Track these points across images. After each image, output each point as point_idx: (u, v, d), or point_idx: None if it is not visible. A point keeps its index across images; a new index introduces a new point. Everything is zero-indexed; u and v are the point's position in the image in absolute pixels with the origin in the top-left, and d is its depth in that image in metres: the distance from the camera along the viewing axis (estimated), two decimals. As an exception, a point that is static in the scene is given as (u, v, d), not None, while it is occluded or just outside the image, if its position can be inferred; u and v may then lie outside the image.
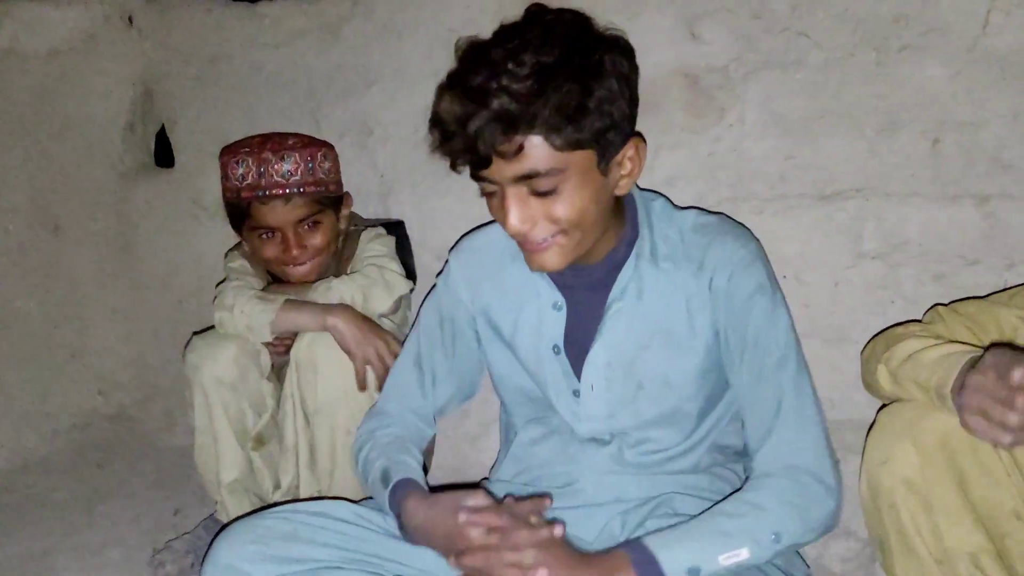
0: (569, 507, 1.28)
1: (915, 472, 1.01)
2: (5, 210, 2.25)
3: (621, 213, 1.24)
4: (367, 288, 1.61)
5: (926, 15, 1.39)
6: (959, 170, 1.36)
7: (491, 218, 1.18)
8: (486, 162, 1.07)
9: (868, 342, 1.28)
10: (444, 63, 1.72)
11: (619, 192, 1.17)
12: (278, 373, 1.68)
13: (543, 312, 1.28)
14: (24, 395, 2.29)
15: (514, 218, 1.10)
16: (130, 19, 2.20)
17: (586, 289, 1.26)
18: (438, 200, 1.91)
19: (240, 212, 1.63)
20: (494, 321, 1.34)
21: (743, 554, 1.09)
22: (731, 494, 1.18)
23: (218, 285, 1.71)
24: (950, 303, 1.25)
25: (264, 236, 1.63)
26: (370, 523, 1.29)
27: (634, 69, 1.13)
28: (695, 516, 1.17)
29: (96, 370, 2.39)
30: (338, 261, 1.72)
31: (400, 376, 1.43)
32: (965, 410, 0.96)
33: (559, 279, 1.27)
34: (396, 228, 1.84)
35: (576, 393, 1.26)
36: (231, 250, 1.81)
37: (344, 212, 1.73)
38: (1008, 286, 1.33)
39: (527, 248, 1.15)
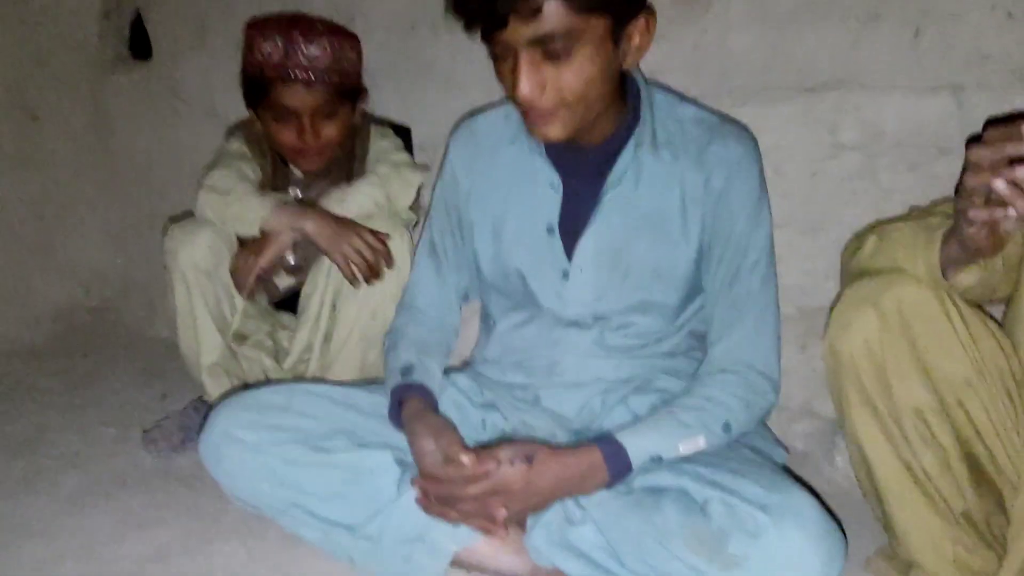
0: (552, 386, 1.34)
1: (873, 336, 1.07)
2: (-21, 98, 2.22)
3: (624, 97, 1.25)
4: (387, 187, 1.63)
5: (914, -96, 1.39)
6: (937, 61, 1.39)
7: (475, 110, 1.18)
8: (502, 22, 1.06)
9: (851, 240, 1.31)
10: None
11: (626, 65, 1.18)
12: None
13: (539, 192, 1.30)
14: (6, 284, 2.29)
15: (524, 83, 1.09)
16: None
17: (583, 172, 1.27)
18: (421, 94, 1.91)
19: (260, 89, 1.62)
20: (486, 201, 1.36)
21: (700, 442, 1.18)
22: (689, 386, 1.26)
23: (207, 168, 1.71)
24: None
25: (280, 118, 1.63)
26: (360, 402, 1.35)
27: None
28: (667, 402, 1.25)
29: (77, 260, 2.41)
30: (351, 159, 1.72)
31: (420, 268, 1.46)
32: (963, 198, 0.99)
33: (557, 160, 1.28)
34: (402, 135, 1.85)
35: (565, 275, 1.29)
36: (234, 130, 1.80)
37: (360, 107, 1.73)
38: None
39: (531, 117, 1.16)
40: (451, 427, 1.23)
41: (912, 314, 1.06)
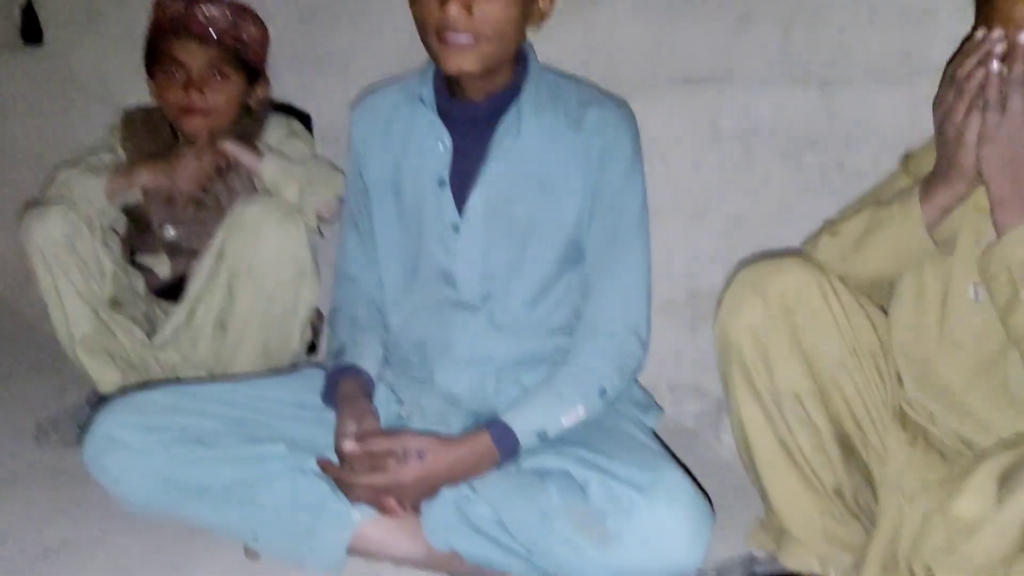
0: (446, 366, 1.39)
1: (759, 321, 1.13)
2: None
3: (514, 59, 1.31)
4: (314, 177, 1.64)
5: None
6: (806, 57, 1.46)
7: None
8: None
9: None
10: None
11: (531, 23, 1.27)
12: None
13: (430, 148, 1.35)
14: None
15: (454, 3, 1.16)
16: None
17: (472, 127, 1.33)
18: (321, 83, 1.92)
19: (155, 47, 1.66)
20: (383, 165, 1.40)
21: (580, 411, 1.25)
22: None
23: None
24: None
25: (170, 73, 1.65)
26: (251, 397, 1.36)
27: None
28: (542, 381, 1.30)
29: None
30: (247, 133, 1.72)
31: (346, 237, 1.49)
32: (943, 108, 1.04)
33: (447, 119, 1.33)
34: (304, 119, 1.86)
35: (455, 228, 1.34)
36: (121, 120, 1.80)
37: (259, 93, 1.76)
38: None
39: (450, 44, 1.21)
40: (374, 414, 1.28)
41: (794, 300, 1.12)
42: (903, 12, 1.36)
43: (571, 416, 1.24)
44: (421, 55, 1.29)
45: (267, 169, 1.64)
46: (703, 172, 1.61)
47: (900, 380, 1.20)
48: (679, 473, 1.17)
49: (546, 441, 1.23)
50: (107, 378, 1.70)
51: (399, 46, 1.78)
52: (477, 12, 1.18)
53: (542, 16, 1.29)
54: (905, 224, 1.10)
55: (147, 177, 1.65)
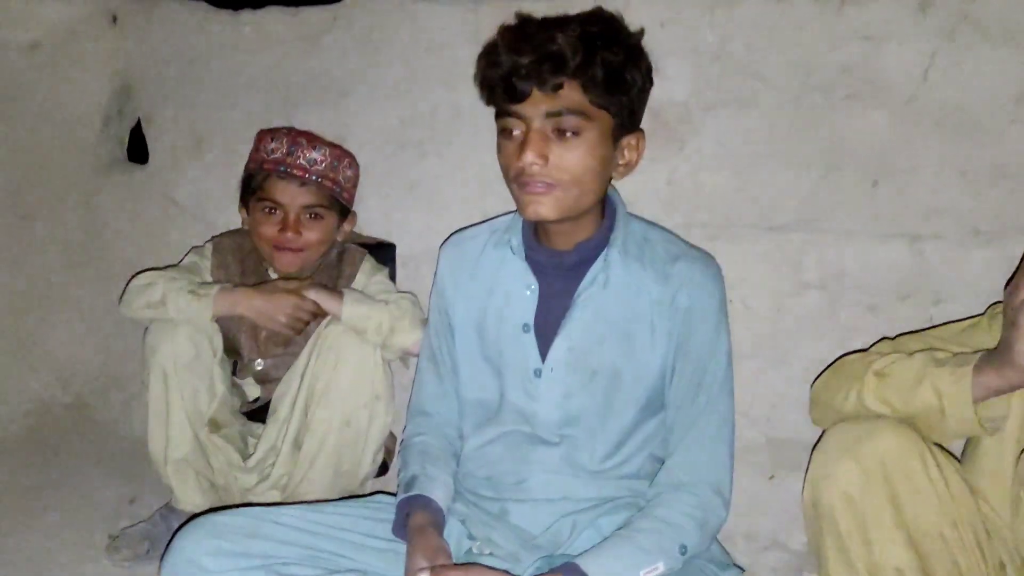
0: (520, 501, 1.36)
1: (854, 488, 1.08)
2: (-24, 197, 2.26)
3: (602, 208, 1.34)
4: (398, 319, 1.64)
5: (870, 68, 1.50)
6: (894, 211, 1.47)
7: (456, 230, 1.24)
8: (523, 95, 1.20)
9: (819, 376, 1.35)
10: (420, 76, 1.81)
11: (616, 176, 1.30)
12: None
13: (516, 293, 1.36)
14: (-19, 381, 2.29)
15: (530, 151, 1.21)
16: (114, 17, 2.23)
17: (558, 275, 1.35)
18: (405, 212, 1.97)
19: (255, 183, 1.73)
20: (469, 305, 1.42)
21: (659, 567, 1.20)
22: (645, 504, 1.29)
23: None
24: (895, 337, 1.34)
25: (268, 211, 1.71)
26: (327, 526, 1.35)
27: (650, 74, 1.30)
28: (621, 528, 1.26)
29: (56, 358, 2.40)
30: (336, 276, 1.78)
31: (423, 373, 1.51)
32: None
33: (535, 265, 1.36)
34: (387, 250, 1.91)
35: (538, 373, 1.34)
36: (194, 248, 1.87)
37: (346, 227, 1.82)
38: (933, 324, 1.44)
39: (528, 190, 1.24)
40: (446, 550, 1.26)
41: (893, 467, 1.07)
42: (995, 171, 1.36)
43: (649, 572, 1.19)
44: (504, 189, 1.33)
45: (348, 315, 1.64)
46: (785, 317, 1.60)
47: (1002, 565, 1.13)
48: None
49: None
50: (191, 499, 1.72)
51: (483, 179, 1.84)
52: (554, 160, 1.21)
53: (628, 167, 1.31)
54: (953, 391, 1.07)
55: (248, 307, 1.67)
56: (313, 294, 1.66)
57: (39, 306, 2.38)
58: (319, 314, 1.67)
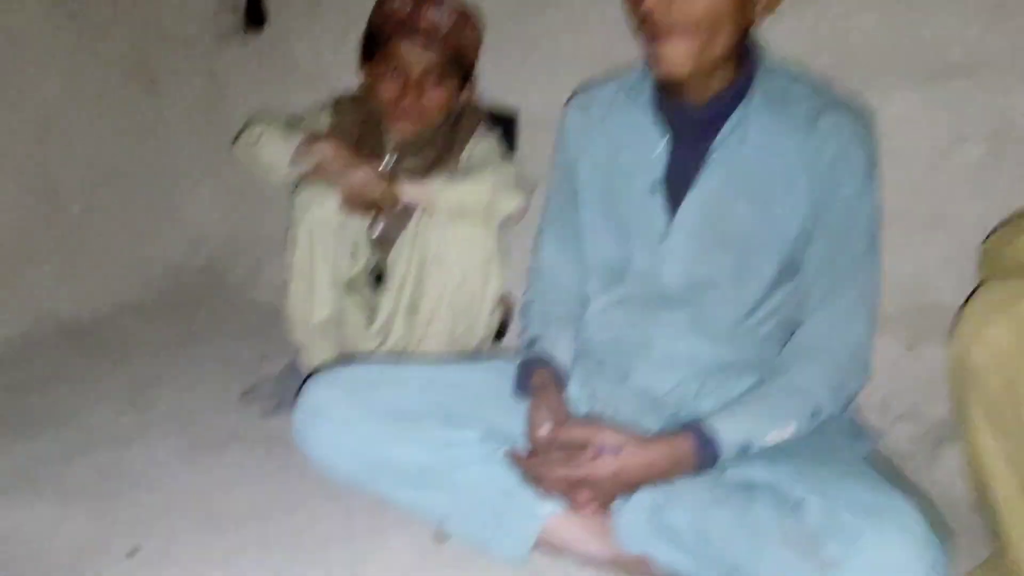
0: (643, 363, 1.33)
1: (1007, 348, 1.01)
2: (104, 62, 2.30)
3: (740, 61, 1.22)
4: (494, 195, 1.60)
5: None
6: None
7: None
8: None
9: (992, 232, 1.26)
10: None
11: (754, 16, 1.17)
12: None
13: (645, 151, 1.29)
14: (122, 243, 2.39)
15: None
16: None
17: (691, 131, 1.26)
18: (527, 72, 1.91)
19: (377, 42, 1.67)
20: (595, 165, 1.36)
21: (789, 430, 1.15)
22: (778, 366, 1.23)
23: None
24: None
25: (388, 73, 1.66)
26: (448, 380, 1.36)
27: None
28: (749, 391, 1.22)
29: (187, 223, 2.50)
30: (449, 142, 1.73)
31: (545, 236, 1.47)
32: None
33: (666, 120, 1.27)
34: (508, 122, 1.85)
35: (664, 235, 1.28)
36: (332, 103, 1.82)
37: (465, 94, 1.75)
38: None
39: (658, 33, 1.14)
40: (567, 405, 1.26)
41: None
42: None
43: (779, 434, 1.15)
44: (630, 45, 1.23)
45: (442, 203, 1.59)
46: (941, 176, 1.47)
47: None
48: (911, 502, 1.05)
49: (746, 456, 1.15)
50: (321, 360, 1.75)
51: (607, 36, 1.73)
52: (678, 4, 1.11)
53: (768, 8, 1.17)
54: None
55: (324, 159, 1.59)
56: (407, 191, 1.60)
57: (169, 172, 2.46)
58: (385, 206, 1.61)
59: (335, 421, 1.29)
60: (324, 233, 1.63)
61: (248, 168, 1.67)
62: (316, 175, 1.60)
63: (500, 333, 1.84)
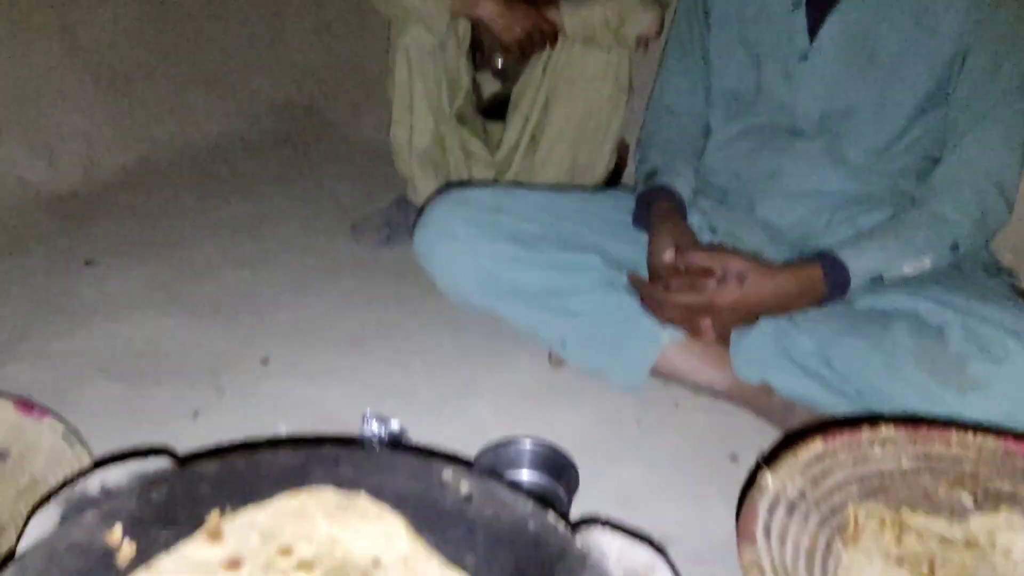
0: (769, 194, 1.29)
1: None
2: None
3: None
4: (624, 14, 1.55)
5: None
6: None
7: None
8: None
9: None
10: None
11: None
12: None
13: None
14: (230, 79, 2.41)
15: None
16: None
17: None
18: None
19: None
20: None
21: (926, 263, 1.11)
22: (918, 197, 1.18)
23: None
24: None
25: None
26: (568, 207, 1.35)
27: None
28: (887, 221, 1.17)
29: (292, 61, 2.50)
30: None
31: (668, 64, 1.42)
32: None
33: None
34: None
35: (804, 56, 1.21)
36: None
37: None
38: None
39: None
40: (691, 232, 1.23)
41: None
42: None
43: (915, 265, 1.11)
44: None
45: (570, 25, 1.56)
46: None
47: None
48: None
49: (879, 287, 1.12)
50: (428, 190, 1.75)
51: None
52: None
53: None
54: None
55: (487, 10, 1.58)
56: (556, 17, 1.57)
57: (274, 9, 2.44)
58: (552, 37, 1.58)
59: (459, 239, 1.29)
60: (421, 55, 1.61)
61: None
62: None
63: (616, 177, 1.82)
